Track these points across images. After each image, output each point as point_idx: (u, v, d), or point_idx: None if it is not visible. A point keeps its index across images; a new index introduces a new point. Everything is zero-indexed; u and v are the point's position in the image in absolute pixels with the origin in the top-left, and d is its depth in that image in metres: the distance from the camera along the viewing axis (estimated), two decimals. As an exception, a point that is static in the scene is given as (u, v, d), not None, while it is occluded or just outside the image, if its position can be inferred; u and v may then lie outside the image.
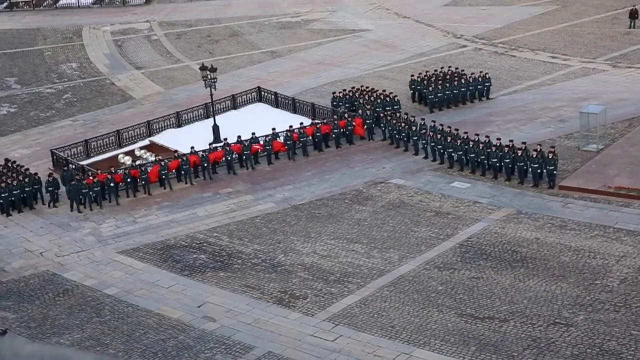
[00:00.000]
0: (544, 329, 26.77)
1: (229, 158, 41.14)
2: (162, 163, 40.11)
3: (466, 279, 30.27)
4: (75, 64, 61.53)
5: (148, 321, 29.40)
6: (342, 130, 43.01)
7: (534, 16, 65.16)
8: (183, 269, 32.83)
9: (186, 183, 40.34)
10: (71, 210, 38.25)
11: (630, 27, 59.55)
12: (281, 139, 42.15)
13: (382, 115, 43.74)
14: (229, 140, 41.61)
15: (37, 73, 60.29)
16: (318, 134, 42.70)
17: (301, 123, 43.14)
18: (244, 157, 41.63)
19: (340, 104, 46.20)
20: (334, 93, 47.40)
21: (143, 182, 39.56)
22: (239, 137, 41.70)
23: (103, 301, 31.00)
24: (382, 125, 43.62)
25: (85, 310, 30.50)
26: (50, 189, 38.97)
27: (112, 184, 38.77)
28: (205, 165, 40.67)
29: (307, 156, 42.43)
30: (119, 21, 71.67)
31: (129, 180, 39.23)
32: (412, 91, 48.70)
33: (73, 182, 38.22)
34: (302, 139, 42.30)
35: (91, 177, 38.65)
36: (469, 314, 28.03)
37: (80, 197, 38.31)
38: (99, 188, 38.52)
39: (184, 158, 40.27)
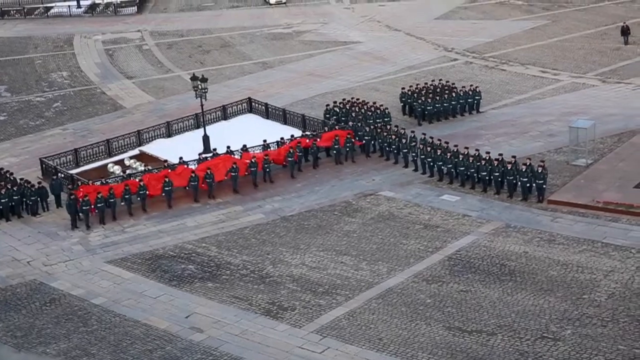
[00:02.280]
0: (532, 343, 26.79)
1: (247, 173, 40.28)
2: (167, 179, 38.83)
3: (454, 292, 30.28)
4: (66, 72, 61.48)
5: (135, 331, 29.30)
6: (342, 147, 42.31)
7: (524, 30, 65.47)
8: (171, 279, 32.74)
9: (196, 200, 39.31)
10: (72, 228, 37.25)
11: (625, 44, 59.68)
12: (272, 148, 41.96)
13: (372, 127, 43.73)
14: (218, 151, 41.48)
15: (27, 81, 60.21)
16: (313, 150, 42.28)
17: (292, 135, 43.03)
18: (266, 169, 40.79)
19: (334, 117, 46.05)
20: (327, 105, 47.29)
21: (139, 198, 38.50)
22: (228, 147, 41.57)
23: (90, 311, 30.88)
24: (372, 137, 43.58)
25: (72, 319, 30.37)
26: (33, 198, 38.84)
27: (112, 200, 37.73)
28: (210, 182, 39.48)
29: (300, 171, 42.08)
30: (111, 30, 71.71)
31: (127, 196, 38.08)
32: (402, 104, 48.78)
33: (72, 197, 37.16)
34: (299, 153, 41.83)
35: (81, 189, 37.99)
36: (457, 327, 28.03)
37: (80, 213, 37.37)
38: (102, 204, 37.44)
39: (193, 174, 39.13)
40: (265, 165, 40.79)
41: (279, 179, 41.41)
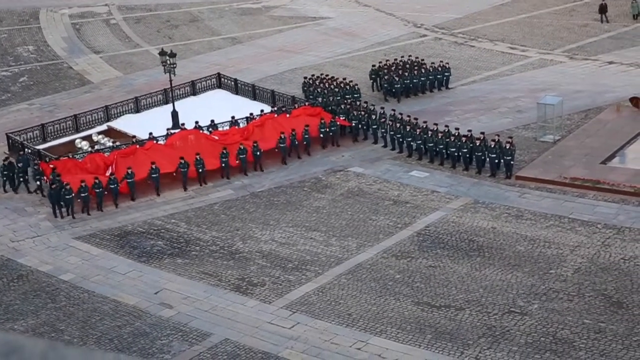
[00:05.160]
0: (499, 318, 27.09)
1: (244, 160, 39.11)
2: (153, 166, 37.33)
3: (423, 267, 30.50)
4: (32, 46, 60.68)
5: (104, 307, 29.22)
6: (327, 130, 41.30)
7: (493, 7, 65.59)
8: (140, 255, 32.64)
9: (185, 190, 38.06)
10: (55, 216, 35.75)
11: (602, 22, 59.65)
12: (242, 125, 41.74)
13: (342, 103, 43.58)
14: (186, 126, 41.17)
15: (-8, 55, 59.37)
16: (307, 137, 40.81)
17: (261, 110, 42.80)
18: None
19: (319, 97, 45.16)
20: (308, 85, 46.57)
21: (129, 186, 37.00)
22: (196, 122, 41.26)
23: (58, 287, 30.73)
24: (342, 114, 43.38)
25: (40, 296, 30.22)
26: (5, 172, 38.39)
27: (99, 189, 36.11)
28: (200, 171, 38.34)
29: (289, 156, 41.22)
30: (77, 4, 70.72)
31: (113, 186, 36.48)
32: (372, 80, 48.73)
33: (54, 186, 35.61)
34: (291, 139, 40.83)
35: (52, 164, 37.52)
36: (426, 303, 28.25)
37: (63, 202, 35.82)
38: (86, 194, 35.86)
39: (183, 160, 37.68)
40: (257, 153, 39.46)
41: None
